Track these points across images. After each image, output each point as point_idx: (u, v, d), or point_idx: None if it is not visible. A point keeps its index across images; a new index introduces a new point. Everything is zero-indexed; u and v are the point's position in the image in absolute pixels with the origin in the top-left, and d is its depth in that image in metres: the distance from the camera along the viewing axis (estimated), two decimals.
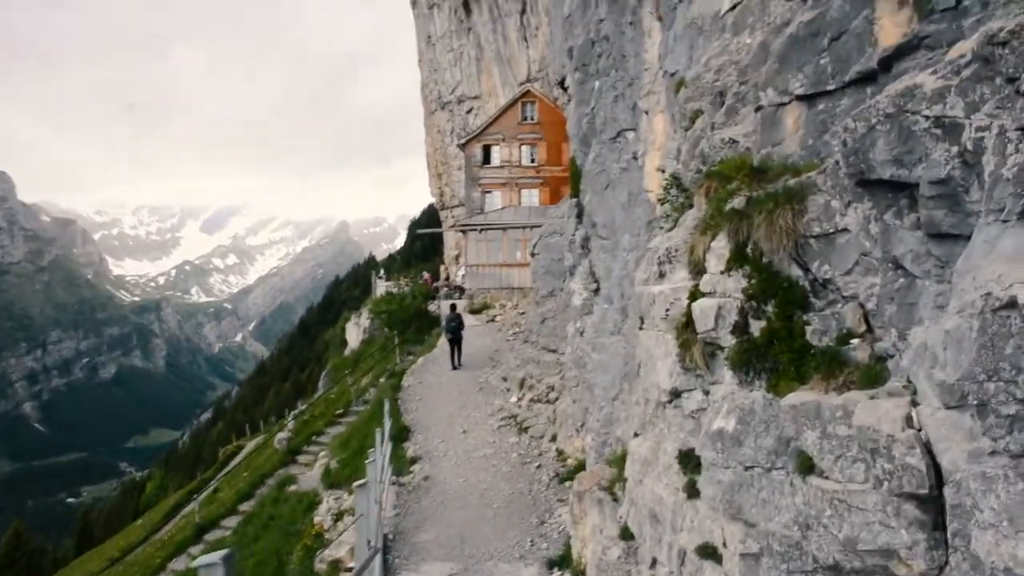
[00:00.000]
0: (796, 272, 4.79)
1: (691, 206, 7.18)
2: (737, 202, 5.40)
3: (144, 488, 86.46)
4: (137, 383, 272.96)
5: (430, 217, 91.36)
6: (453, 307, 26.36)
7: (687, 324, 5.84)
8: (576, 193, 16.78)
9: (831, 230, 4.43)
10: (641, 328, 7.19)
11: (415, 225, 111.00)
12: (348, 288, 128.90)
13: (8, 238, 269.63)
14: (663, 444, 6.53)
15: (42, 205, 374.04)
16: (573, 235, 16.48)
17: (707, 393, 5.68)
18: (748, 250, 5.18)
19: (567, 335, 18.96)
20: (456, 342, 24.06)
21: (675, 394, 6.16)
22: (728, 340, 5.32)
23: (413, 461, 15.68)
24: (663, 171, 10.71)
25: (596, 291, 14.31)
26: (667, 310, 6.28)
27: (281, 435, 31.32)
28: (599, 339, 13.55)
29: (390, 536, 11.26)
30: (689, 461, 6.04)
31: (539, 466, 14.85)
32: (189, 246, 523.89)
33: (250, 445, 40.85)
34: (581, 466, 13.69)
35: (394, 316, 32.41)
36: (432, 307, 35.60)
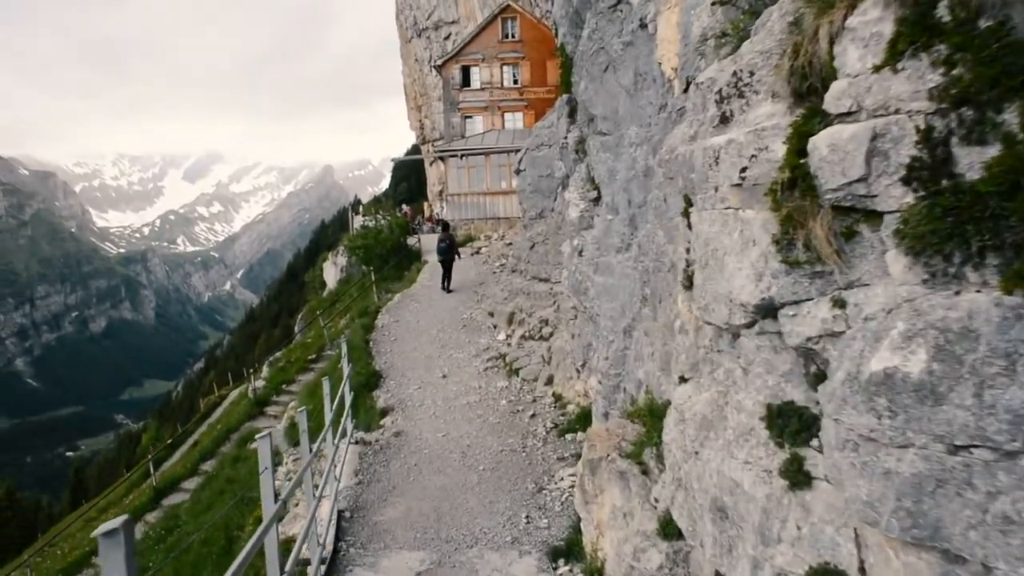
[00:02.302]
0: None
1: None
2: None
3: (140, 440, 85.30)
4: (128, 335, 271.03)
5: (414, 155, 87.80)
6: (446, 226, 24.08)
7: (792, 184, 3.23)
8: (568, 88, 13.99)
9: None
10: (688, 213, 4.60)
11: (398, 167, 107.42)
12: (334, 231, 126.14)
13: None
14: (735, 396, 3.98)
15: (19, 159, 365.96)
16: (565, 138, 13.73)
17: (841, 305, 3.08)
18: (941, 13, 2.54)
19: (562, 258, 16.37)
20: (447, 263, 22.53)
21: (765, 310, 3.57)
22: (895, 198, 2.71)
23: (383, 413, 13.17)
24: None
25: (596, 200, 11.64)
26: (744, 170, 3.64)
27: (256, 383, 29.01)
28: (603, 258, 10.94)
29: (346, 514, 8.76)
30: (790, 424, 3.50)
31: (533, 415, 12.37)
32: (172, 195, 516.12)
33: (233, 395, 38.62)
34: (585, 415, 11.23)
35: (370, 251, 29.61)
36: (412, 241, 32.81)
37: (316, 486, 7.66)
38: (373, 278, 26.53)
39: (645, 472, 5.64)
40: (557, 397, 12.99)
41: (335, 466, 9.17)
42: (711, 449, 4.12)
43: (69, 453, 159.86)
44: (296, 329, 40.97)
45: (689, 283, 4.71)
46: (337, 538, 8.08)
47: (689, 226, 4.67)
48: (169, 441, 36.09)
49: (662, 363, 6.17)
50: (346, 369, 11.18)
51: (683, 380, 4.82)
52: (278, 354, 33.44)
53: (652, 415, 6.17)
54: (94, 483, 68.23)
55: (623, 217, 10.50)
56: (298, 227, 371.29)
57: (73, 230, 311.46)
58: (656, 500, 5.22)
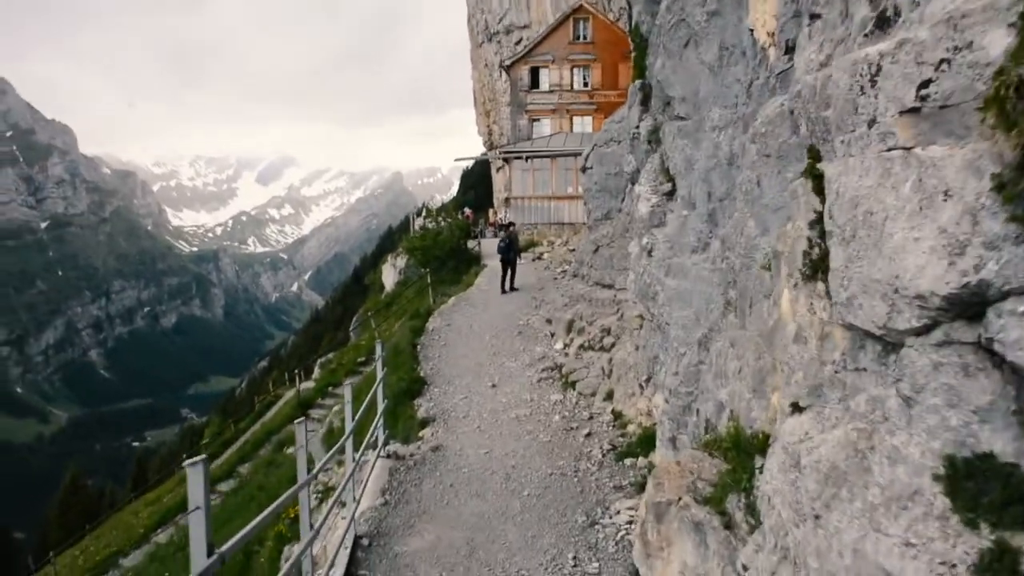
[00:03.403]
0: None
1: None
2: None
3: (202, 434, 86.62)
4: (197, 331, 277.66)
5: (484, 166, 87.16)
6: (510, 225, 23.15)
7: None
8: (641, 73, 12.64)
9: None
10: (813, 172, 3.26)
11: (467, 175, 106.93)
12: (400, 237, 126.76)
13: (71, 190, 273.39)
14: (887, 439, 2.60)
15: (103, 157, 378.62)
16: (637, 127, 12.39)
17: None
18: None
19: (627, 262, 14.99)
20: (507, 263, 21.59)
21: (963, 305, 2.21)
22: None
23: (423, 424, 11.96)
24: None
25: (670, 194, 10.26)
26: (926, 85, 2.29)
27: (307, 384, 28.32)
28: (676, 259, 9.56)
29: (364, 541, 7.54)
30: (989, 492, 2.13)
31: (589, 434, 11.00)
32: (245, 197, 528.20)
33: (289, 395, 38.18)
34: (648, 438, 9.82)
35: (428, 253, 28.55)
36: (473, 244, 31.70)
37: (324, 501, 6.47)
38: (429, 280, 25.50)
39: (729, 526, 4.27)
40: (616, 415, 11.60)
41: (357, 484, 7.99)
42: (843, 514, 2.76)
43: (136, 443, 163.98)
44: (351, 331, 40.30)
45: (813, 271, 3.35)
46: (349, 572, 6.86)
47: (818, 189, 3.31)
48: (218, 438, 35.75)
49: (754, 383, 4.79)
50: (379, 373, 10.00)
51: (797, 409, 3.44)
52: (330, 355, 32.77)
53: (739, 449, 4.81)
54: (155, 474, 69.30)
55: (701, 212, 9.10)
56: (366, 232, 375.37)
57: (149, 228, 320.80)
58: (744, 568, 3.85)
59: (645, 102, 12.20)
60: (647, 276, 10.26)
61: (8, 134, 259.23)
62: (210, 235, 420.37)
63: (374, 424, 9.58)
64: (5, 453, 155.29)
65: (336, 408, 18.52)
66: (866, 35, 2.79)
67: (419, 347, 16.60)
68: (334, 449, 7.46)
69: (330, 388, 22.10)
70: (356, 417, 8.09)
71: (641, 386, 11.17)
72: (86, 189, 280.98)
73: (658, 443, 8.95)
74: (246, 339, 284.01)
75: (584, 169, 18.29)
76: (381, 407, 9.93)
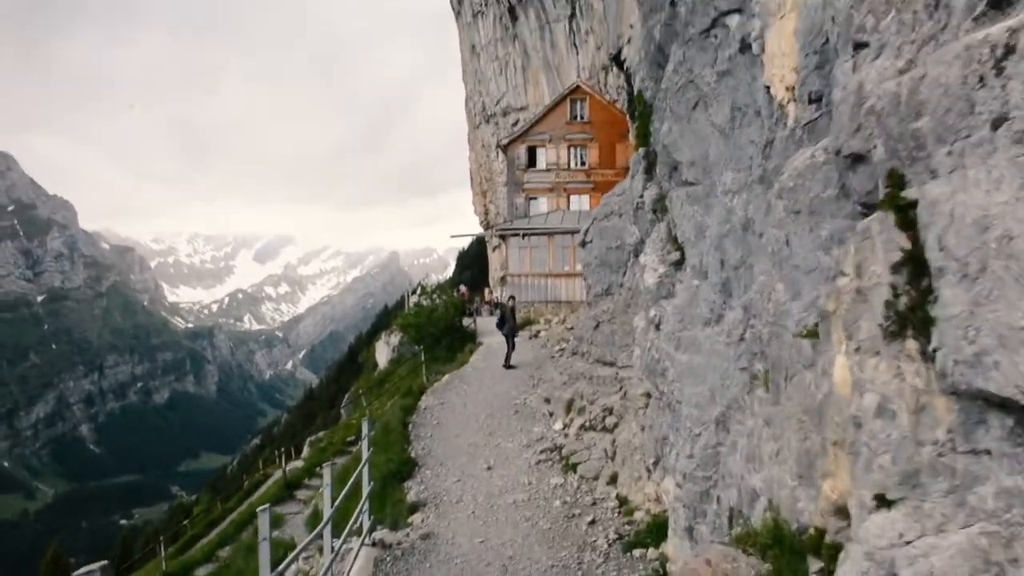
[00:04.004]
0: None
1: None
2: None
3: (191, 512, 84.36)
4: (189, 408, 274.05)
5: (480, 246, 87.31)
6: (509, 299, 22.81)
7: None
8: (645, 140, 12.22)
9: None
10: (896, 201, 2.64)
11: (463, 256, 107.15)
12: (395, 315, 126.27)
13: (69, 264, 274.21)
14: None
15: (102, 233, 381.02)
16: (641, 197, 11.89)
17: None
18: None
19: (630, 339, 14.31)
20: (508, 336, 21.75)
21: None
22: None
23: (413, 509, 11.07)
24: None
25: (678, 264, 9.66)
26: None
27: (296, 464, 27.29)
28: (686, 331, 8.89)
29: None
30: None
31: (593, 521, 10.13)
32: (242, 274, 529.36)
33: (278, 474, 36.93)
34: (659, 526, 8.99)
35: (422, 330, 27.86)
36: (468, 322, 31.03)
37: None
38: (423, 358, 24.74)
39: None
40: (622, 500, 10.76)
41: None
42: None
43: (123, 521, 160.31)
44: (342, 409, 39.24)
45: (900, 326, 2.69)
46: None
47: (903, 223, 2.67)
48: (205, 516, 34.31)
49: (799, 468, 4.08)
50: (365, 452, 9.21)
51: (883, 503, 2.73)
52: (321, 434, 31.74)
53: (782, 547, 4.07)
54: (139, 553, 67.19)
55: (713, 281, 8.49)
56: (362, 311, 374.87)
57: (145, 303, 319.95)
58: None
59: (649, 170, 11.74)
60: (655, 351, 9.58)
61: (10, 208, 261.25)
62: (206, 312, 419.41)
63: (358, 509, 8.76)
64: None
65: (321, 490, 17.46)
66: (976, 19, 2.21)
67: (410, 426, 15.77)
68: (309, 538, 6.66)
69: (318, 468, 21.07)
70: (336, 501, 7.30)
71: (648, 469, 10.37)
72: (84, 263, 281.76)
73: (671, 533, 8.13)
74: (239, 416, 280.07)
75: (583, 244, 17.79)
76: (367, 490, 9.11)
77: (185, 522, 34.17)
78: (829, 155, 5.19)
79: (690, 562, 4.78)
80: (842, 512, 3.61)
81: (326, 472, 7.33)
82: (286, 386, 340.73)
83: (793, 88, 6.33)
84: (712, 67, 8.69)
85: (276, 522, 16.87)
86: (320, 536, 6.97)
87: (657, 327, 9.58)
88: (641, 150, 12.15)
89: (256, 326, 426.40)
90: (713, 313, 8.50)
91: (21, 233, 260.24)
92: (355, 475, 8.89)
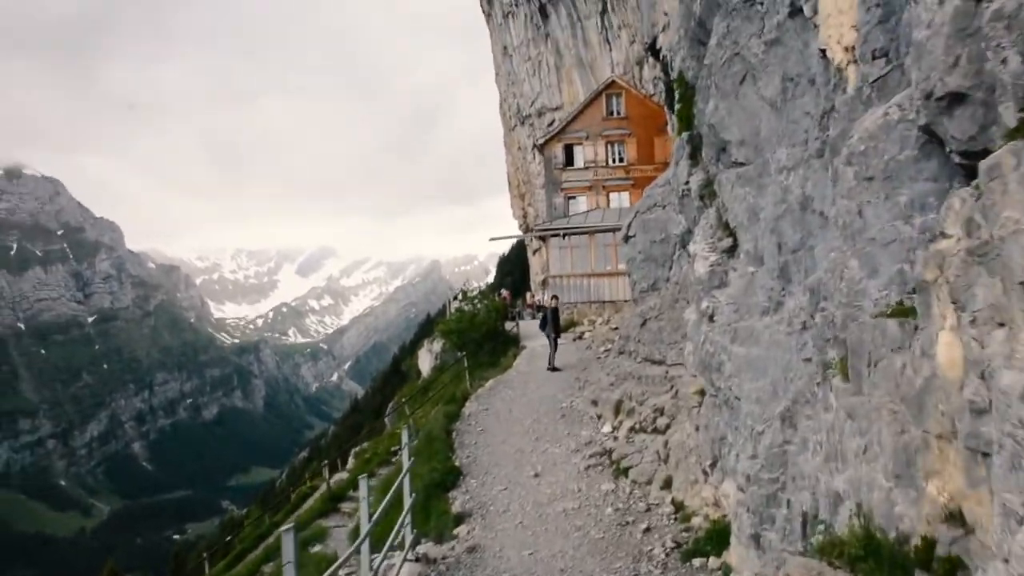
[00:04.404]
0: None
1: None
2: None
3: (241, 526, 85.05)
4: (238, 423, 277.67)
5: (520, 251, 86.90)
6: (553, 298, 23.13)
7: None
8: (688, 125, 11.60)
9: None
10: None
11: (504, 261, 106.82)
12: (437, 322, 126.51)
13: (117, 285, 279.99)
14: None
15: (148, 253, 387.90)
16: (687, 183, 11.26)
17: None
18: None
19: (679, 336, 13.67)
20: (551, 337, 21.10)
21: None
22: None
23: (458, 520, 10.59)
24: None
25: (731, 251, 9.04)
26: None
27: (341, 475, 27.00)
28: (743, 322, 8.28)
29: None
30: None
31: (647, 529, 9.54)
32: (285, 288, 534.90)
33: (323, 487, 36.78)
34: (719, 533, 8.37)
35: (464, 335, 27.41)
36: (511, 326, 30.50)
37: None
38: (466, 364, 24.28)
39: None
40: (678, 506, 10.14)
41: None
42: None
43: (176, 536, 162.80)
44: (386, 418, 38.96)
45: None
46: None
47: None
48: (265, 529, 34.19)
49: (896, 466, 3.49)
50: (406, 463, 8.75)
51: None
52: (365, 445, 31.47)
53: (878, 559, 3.48)
54: (193, 568, 67.93)
55: (770, 267, 7.88)
56: (405, 321, 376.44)
57: (192, 320, 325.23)
58: None
59: (694, 155, 11.12)
60: (709, 345, 8.96)
61: (59, 232, 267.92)
62: (251, 327, 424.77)
63: (399, 522, 8.29)
64: (48, 547, 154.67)
65: (384, 502, 17.10)
66: None
67: (454, 434, 15.29)
68: (345, 556, 6.18)
69: (359, 479, 20.74)
70: (376, 515, 6.82)
71: (705, 472, 9.74)
72: (131, 284, 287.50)
73: (733, 540, 7.52)
74: (286, 430, 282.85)
75: (627, 239, 17.20)
76: (408, 502, 8.64)
77: (228, 538, 34.08)
78: (906, 111, 4.60)
79: None
80: (956, 519, 3.02)
81: (362, 485, 6.87)
82: (332, 398, 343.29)
83: (853, 48, 5.75)
84: (759, 37, 8.10)
85: (319, 536, 16.54)
86: (358, 552, 6.49)
87: (711, 319, 8.97)
88: (684, 134, 11.53)
89: (301, 339, 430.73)
90: (771, 301, 7.89)
91: (71, 256, 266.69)
92: (395, 486, 8.41)
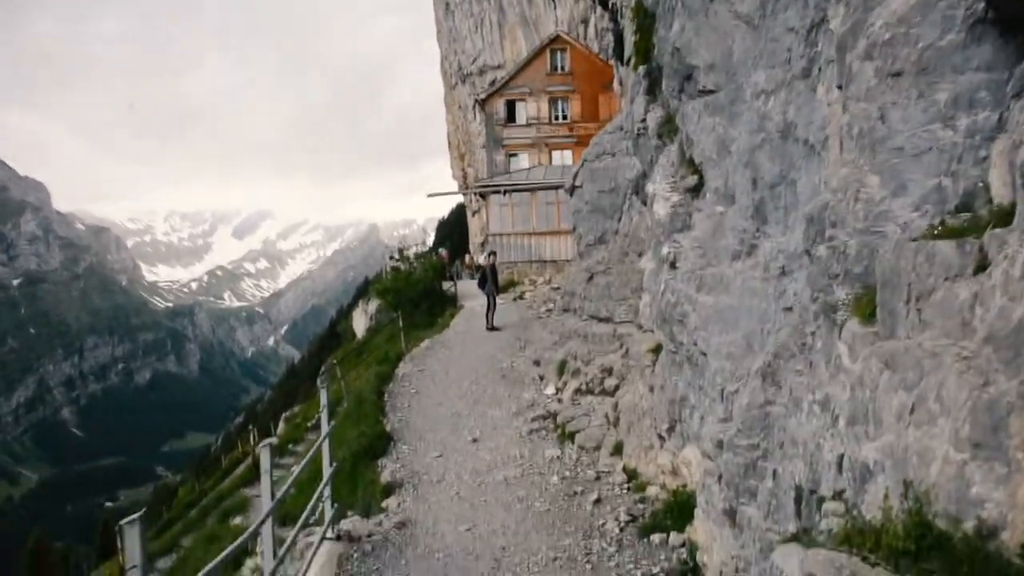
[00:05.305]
0: None
1: None
2: None
3: (176, 492, 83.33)
4: (172, 388, 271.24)
5: (459, 215, 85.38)
6: (490, 255, 22.49)
7: None
8: (645, 59, 10.53)
9: None
10: None
11: (443, 225, 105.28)
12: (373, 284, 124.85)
13: (44, 246, 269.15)
14: None
15: (77, 214, 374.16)
16: (643, 121, 10.22)
17: None
18: None
19: (631, 285, 12.75)
20: (489, 296, 20.42)
21: None
22: None
23: (388, 491, 9.52)
24: None
25: (696, 189, 8.04)
26: None
27: (268, 441, 25.65)
28: (711, 269, 7.32)
29: None
30: None
31: (598, 500, 8.61)
32: (221, 251, 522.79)
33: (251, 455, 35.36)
34: (681, 505, 7.46)
35: (400, 295, 26.17)
36: (448, 286, 29.34)
37: None
38: (401, 324, 23.11)
39: None
40: (631, 474, 9.23)
41: None
42: None
43: (109, 503, 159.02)
44: (319, 382, 37.58)
45: None
46: None
47: None
48: (195, 497, 32.73)
49: (977, 431, 2.52)
50: (324, 427, 7.62)
51: None
52: (296, 409, 30.17)
53: (945, 556, 2.52)
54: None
55: (743, 205, 6.92)
56: (343, 284, 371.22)
57: (124, 283, 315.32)
58: None
59: (651, 90, 10.07)
60: (670, 294, 7.98)
61: None
62: (185, 290, 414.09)
63: (316, 494, 7.18)
64: None
65: (293, 468, 15.97)
66: None
67: (386, 396, 14.19)
68: (244, 536, 5.02)
69: (290, 445, 19.54)
70: (283, 490, 5.71)
71: (661, 437, 8.84)
72: (59, 246, 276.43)
73: (700, 514, 6.61)
74: (222, 395, 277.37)
75: (572, 190, 16.16)
76: (327, 472, 7.52)
77: (140, 511, 32.71)
78: None
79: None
80: None
81: (264, 456, 5.69)
82: (269, 363, 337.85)
83: None
84: None
85: (241, 507, 15.37)
86: (258, 536, 5.38)
87: (672, 266, 7.98)
88: (641, 68, 10.45)
89: (236, 303, 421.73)
90: (744, 244, 6.94)
91: None
92: (310, 453, 7.28)
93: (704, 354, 7.18)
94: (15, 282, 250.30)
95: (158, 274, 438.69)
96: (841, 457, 3.78)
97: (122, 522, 4.03)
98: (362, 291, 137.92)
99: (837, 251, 4.15)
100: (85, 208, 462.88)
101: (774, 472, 5.02)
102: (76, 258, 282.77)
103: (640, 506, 8.25)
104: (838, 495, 3.78)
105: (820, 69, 5.62)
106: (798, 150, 6.10)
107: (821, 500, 4.05)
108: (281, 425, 28.61)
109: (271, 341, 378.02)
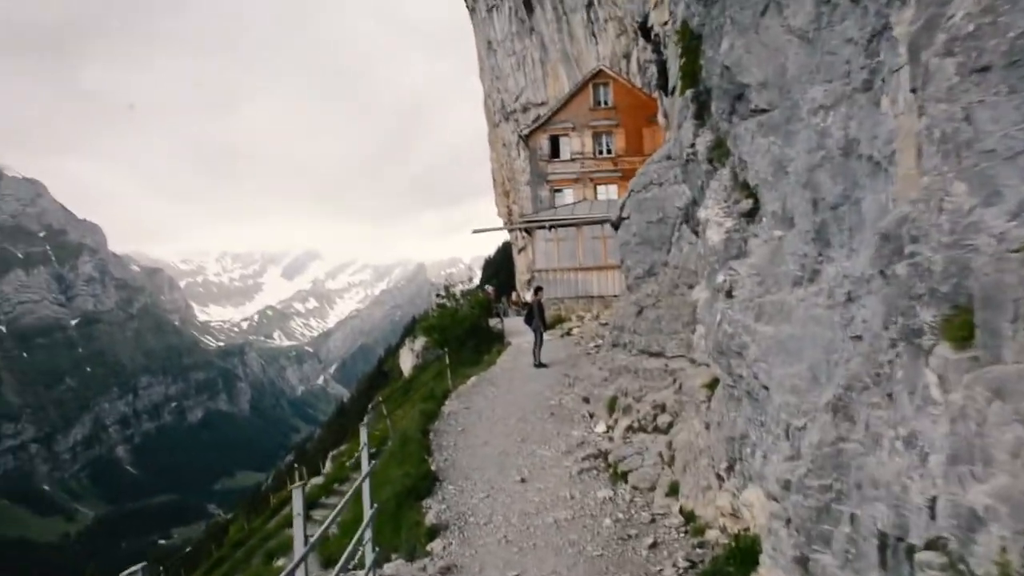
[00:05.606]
0: None
1: None
2: None
3: (227, 530, 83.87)
4: (223, 426, 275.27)
5: (505, 253, 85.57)
6: (537, 291, 21.96)
7: None
8: (693, 81, 10.20)
9: None
10: None
11: (489, 263, 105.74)
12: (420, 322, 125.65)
13: (100, 287, 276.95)
14: None
15: (132, 255, 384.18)
16: (692, 146, 9.84)
17: None
18: None
19: (682, 319, 12.27)
20: (536, 331, 19.95)
21: None
22: None
23: (432, 533, 9.14)
24: None
25: (751, 213, 7.62)
26: None
27: (317, 480, 25.52)
28: (770, 296, 6.88)
29: None
30: None
31: (654, 544, 8.12)
32: (271, 291, 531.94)
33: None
34: (745, 552, 6.95)
35: (446, 332, 25.96)
36: (495, 322, 29.04)
37: None
38: (448, 361, 22.85)
39: None
40: (688, 516, 8.73)
41: None
42: None
43: (162, 540, 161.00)
44: (364, 421, 37.43)
45: None
46: None
47: None
48: (244, 537, 32.66)
49: None
50: (365, 466, 7.31)
51: None
52: (343, 448, 30.01)
53: None
54: (174, 573, 66.81)
55: (803, 229, 6.48)
56: (390, 323, 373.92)
57: (176, 323, 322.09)
58: None
59: (700, 114, 9.72)
60: (727, 325, 7.53)
61: (41, 235, 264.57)
62: (236, 330, 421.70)
63: (355, 538, 6.84)
64: (30, 553, 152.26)
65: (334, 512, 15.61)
66: None
67: (432, 435, 13.84)
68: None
69: (336, 485, 19.31)
70: (315, 536, 5.37)
71: (720, 476, 8.33)
72: (115, 286, 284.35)
73: (767, 560, 6.09)
74: (272, 433, 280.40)
75: (619, 223, 15.80)
76: (368, 514, 7.19)
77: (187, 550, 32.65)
78: None
79: None
80: None
81: (296, 497, 5.37)
82: (318, 401, 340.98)
83: None
84: None
85: (286, 547, 15.08)
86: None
87: (728, 295, 7.55)
88: (688, 92, 10.10)
89: (286, 342, 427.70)
90: (805, 269, 6.49)
91: (53, 258, 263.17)
92: (348, 495, 6.96)
93: (765, 388, 6.73)
94: (73, 322, 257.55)
95: (210, 314, 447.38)
96: (934, 500, 3.34)
97: (293, 487, 3.92)
98: (409, 329, 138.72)
99: (920, 268, 3.73)
100: (139, 249, 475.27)
101: (851, 516, 4.55)
102: (131, 299, 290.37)
103: (699, 551, 7.75)
104: (933, 544, 3.33)
105: (883, 80, 5.23)
106: (862, 167, 5.69)
107: (911, 549, 3.59)
108: (328, 464, 28.46)
109: (320, 380, 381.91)
